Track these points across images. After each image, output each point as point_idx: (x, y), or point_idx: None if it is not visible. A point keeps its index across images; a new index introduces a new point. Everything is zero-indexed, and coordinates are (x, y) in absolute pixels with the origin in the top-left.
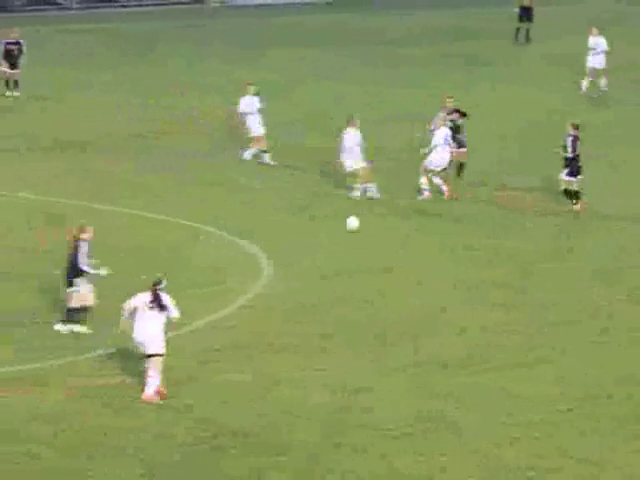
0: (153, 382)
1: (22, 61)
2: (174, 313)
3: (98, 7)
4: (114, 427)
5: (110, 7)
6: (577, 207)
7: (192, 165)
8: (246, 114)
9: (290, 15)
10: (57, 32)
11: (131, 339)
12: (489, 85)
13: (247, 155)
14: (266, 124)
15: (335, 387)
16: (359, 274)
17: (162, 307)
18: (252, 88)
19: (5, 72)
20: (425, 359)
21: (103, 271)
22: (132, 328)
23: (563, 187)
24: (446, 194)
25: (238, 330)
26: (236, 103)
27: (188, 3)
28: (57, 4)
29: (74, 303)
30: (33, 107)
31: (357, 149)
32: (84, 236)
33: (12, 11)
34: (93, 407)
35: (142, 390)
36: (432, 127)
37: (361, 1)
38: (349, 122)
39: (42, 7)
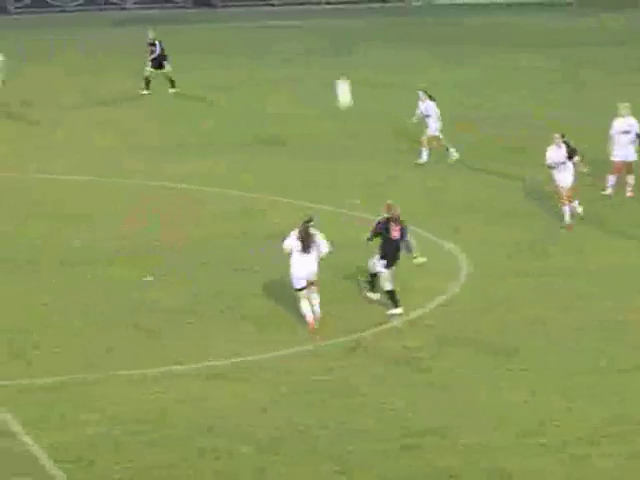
0: (315, 312)
1: (150, 60)
2: (325, 249)
3: (299, 4)
4: (309, 423)
5: (311, 4)
6: None
7: (386, 163)
8: (427, 116)
9: (496, 16)
10: (260, 28)
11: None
12: None
13: (424, 156)
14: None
15: (531, 387)
16: (561, 274)
17: (309, 245)
18: (421, 94)
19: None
20: (624, 361)
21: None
22: (293, 265)
23: None
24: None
25: (436, 329)
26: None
27: (387, 1)
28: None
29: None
30: (230, 103)
31: (562, 166)
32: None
33: (215, 6)
34: (294, 403)
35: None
36: None
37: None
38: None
39: (242, 3)
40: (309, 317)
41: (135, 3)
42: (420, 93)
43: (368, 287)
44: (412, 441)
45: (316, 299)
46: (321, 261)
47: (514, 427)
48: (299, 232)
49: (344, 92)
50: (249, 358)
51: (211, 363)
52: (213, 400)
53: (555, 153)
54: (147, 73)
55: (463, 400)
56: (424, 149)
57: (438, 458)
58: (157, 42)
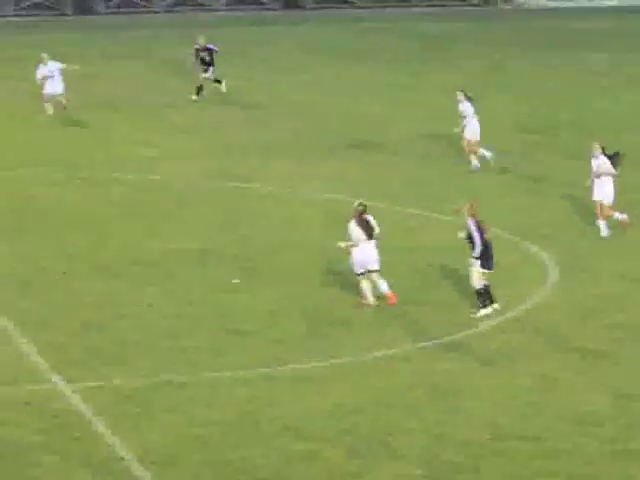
0: (385, 286)
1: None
2: (377, 229)
3: (389, 6)
4: (396, 427)
5: (401, 7)
6: None
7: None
8: (464, 117)
9: (589, 21)
10: (347, 30)
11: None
12: None
13: (487, 155)
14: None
15: (622, 392)
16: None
17: (370, 231)
18: (460, 95)
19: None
20: None
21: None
22: (355, 252)
23: None
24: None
25: (525, 333)
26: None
27: (477, 5)
28: (349, 3)
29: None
30: (329, 106)
31: (602, 178)
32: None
33: (304, 8)
34: (377, 407)
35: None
36: None
37: None
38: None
39: (332, 5)
40: (369, 297)
41: (225, 5)
42: (458, 94)
43: (480, 305)
44: (502, 445)
45: (383, 283)
46: (408, 264)
47: (603, 432)
48: (357, 221)
49: None
50: (340, 360)
51: (298, 366)
52: (301, 403)
53: (594, 163)
54: (211, 78)
55: (554, 404)
56: (485, 152)
57: (527, 463)
58: (209, 47)
